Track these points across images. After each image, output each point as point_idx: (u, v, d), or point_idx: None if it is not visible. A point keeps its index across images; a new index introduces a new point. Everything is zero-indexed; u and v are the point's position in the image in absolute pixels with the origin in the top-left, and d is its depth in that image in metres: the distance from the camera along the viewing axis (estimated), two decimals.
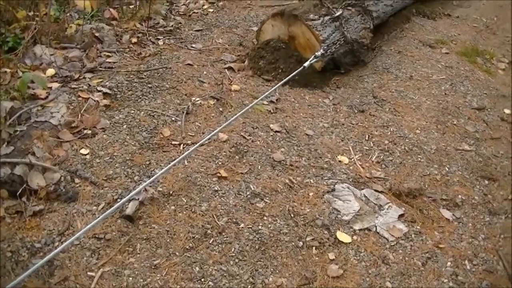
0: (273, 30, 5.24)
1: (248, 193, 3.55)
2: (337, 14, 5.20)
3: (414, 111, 4.80)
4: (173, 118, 4.15)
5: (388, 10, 6.28)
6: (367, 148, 4.19)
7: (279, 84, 4.20)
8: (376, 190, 3.74)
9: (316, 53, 4.59)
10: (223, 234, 3.23)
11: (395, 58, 5.77)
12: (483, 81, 5.60)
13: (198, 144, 3.41)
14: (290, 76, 4.08)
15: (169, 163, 3.57)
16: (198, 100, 4.40)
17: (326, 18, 5.14)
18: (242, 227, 3.29)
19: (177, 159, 3.24)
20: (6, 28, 5.00)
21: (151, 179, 3.10)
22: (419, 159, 4.16)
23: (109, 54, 4.97)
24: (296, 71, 4.15)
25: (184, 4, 6.67)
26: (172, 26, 5.87)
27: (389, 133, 4.40)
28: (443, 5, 7.85)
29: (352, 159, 4.04)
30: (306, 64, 4.27)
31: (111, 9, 5.30)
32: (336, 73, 5.33)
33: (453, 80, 5.47)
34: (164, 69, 4.77)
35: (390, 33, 6.48)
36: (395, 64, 5.64)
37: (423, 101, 4.99)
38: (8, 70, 4.38)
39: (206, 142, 3.93)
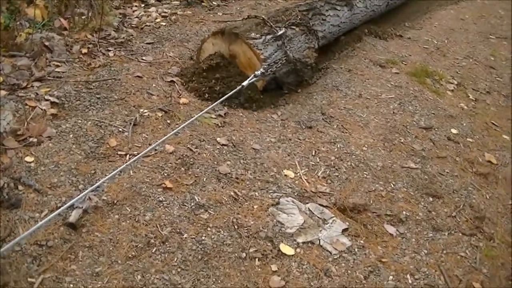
0: (214, 48, 5.18)
1: (192, 204, 3.55)
2: (280, 33, 5.15)
3: (362, 128, 4.86)
4: (120, 129, 4.14)
5: (335, 31, 6.35)
6: (314, 163, 4.23)
7: (215, 103, 4.25)
8: (321, 205, 3.78)
9: (256, 72, 4.62)
10: (166, 243, 3.23)
11: (345, 76, 5.82)
12: (431, 101, 5.69)
13: (143, 152, 3.44)
14: (227, 95, 4.17)
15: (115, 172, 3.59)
16: (146, 112, 4.39)
17: (268, 37, 5.08)
18: (186, 237, 3.29)
19: (121, 167, 3.26)
20: None
21: (94, 186, 3.12)
22: (365, 175, 4.22)
23: (59, 63, 4.94)
24: (234, 91, 4.23)
25: (136, 17, 6.66)
26: (123, 38, 5.86)
27: (336, 149, 4.45)
28: (395, 26, 8.00)
29: (298, 174, 4.07)
30: (245, 83, 4.35)
31: (61, 19, 5.29)
32: (280, 94, 5.37)
33: (402, 99, 5.55)
34: (113, 80, 4.76)
35: (341, 52, 6.56)
36: (344, 82, 5.69)
37: (371, 119, 5.05)
38: None
39: (153, 153, 3.94)
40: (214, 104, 4.25)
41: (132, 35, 6.01)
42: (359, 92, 5.55)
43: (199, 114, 3.94)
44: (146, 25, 6.40)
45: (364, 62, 6.33)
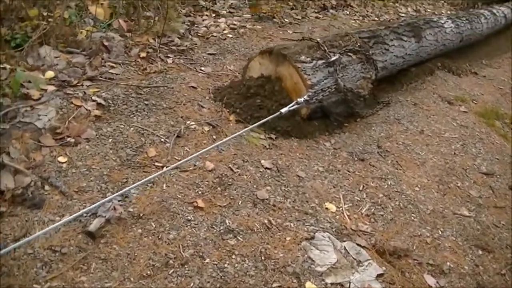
0: (261, 68, 4.85)
1: (222, 227, 3.36)
2: (333, 58, 4.75)
3: (418, 167, 4.60)
4: (162, 139, 3.99)
5: (398, 62, 6.03)
6: (359, 199, 3.99)
7: (249, 127, 3.94)
8: (358, 244, 3.52)
9: (298, 99, 4.28)
10: (186, 266, 3.04)
11: (409, 110, 5.58)
12: (497, 145, 5.39)
13: (177, 164, 3.26)
14: (262, 121, 3.89)
15: (146, 183, 3.43)
16: (192, 124, 4.23)
17: (320, 62, 4.70)
18: (207, 262, 3.10)
19: (150, 176, 3.07)
20: (18, 25, 4.91)
21: (119, 192, 2.95)
22: (412, 218, 3.95)
23: (114, 65, 4.85)
24: (271, 117, 3.95)
25: (205, 26, 6.57)
26: (186, 46, 5.74)
27: (386, 186, 4.20)
28: (472, 62, 7.69)
29: (340, 208, 3.83)
30: (284, 110, 4.01)
31: (121, 21, 5.19)
32: (330, 123, 4.96)
33: (466, 140, 5.27)
34: (165, 88, 4.63)
35: (410, 84, 6.31)
36: (408, 116, 5.45)
37: (429, 157, 4.79)
38: (8, 67, 4.27)
39: (191, 168, 3.77)
40: (247, 129, 3.97)
41: (195, 44, 5.89)
42: (422, 128, 5.29)
43: (240, 132, 3.72)
44: (213, 36, 6.28)
45: (432, 97, 6.06)
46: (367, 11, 9.30)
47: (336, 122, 4.94)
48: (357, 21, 8.47)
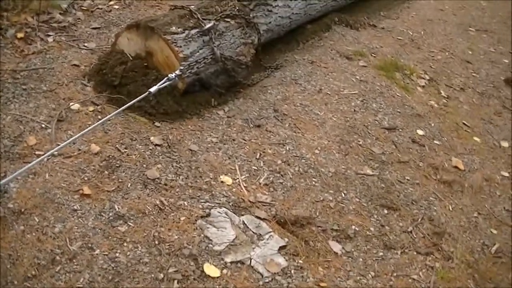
0: (129, 44, 4.35)
1: (111, 214, 3.15)
2: (207, 26, 4.34)
3: (317, 128, 4.45)
4: (43, 125, 3.72)
5: (285, 23, 5.61)
6: (256, 168, 3.82)
7: (114, 113, 3.41)
8: (258, 217, 3.37)
9: (169, 75, 3.85)
10: (74, 261, 2.84)
11: (306, 69, 5.39)
12: (398, 98, 5.30)
13: (56, 149, 2.99)
14: (127, 104, 3.40)
15: (27, 175, 3.19)
16: (76, 106, 3.96)
17: (193, 31, 4.30)
18: (97, 254, 2.90)
19: (29, 165, 2.81)
20: None
21: None
22: (314, 183, 3.81)
23: None
24: (140, 97, 3.52)
25: None
26: (68, 22, 5.40)
27: (284, 151, 4.04)
28: (370, 15, 7.51)
29: (237, 180, 3.66)
30: (153, 89, 3.58)
31: None
32: (214, 94, 4.55)
33: (366, 96, 5.14)
34: (45, 69, 4.33)
35: (306, 42, 6.09)
36: (305, 75, 5.27)
37: (328, 117, 4.65)
38: None
39: (75, 153, 3.53)
40: (112, 115, 3.42)
41: (79, 19, 5.56)
42: (320, 86, 5.12)
43: (100, 122, 3.40)
44: (98, 8, 5.95)
45: (330, 53, 5.89)
46: None
47: (216, 94, 4.57)
48: None
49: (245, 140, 4.08)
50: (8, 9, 5.17)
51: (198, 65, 4.23)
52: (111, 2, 6.16)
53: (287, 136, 4.22)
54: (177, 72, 3.94)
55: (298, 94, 4.87)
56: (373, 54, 6.17)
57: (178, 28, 4.26)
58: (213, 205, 3.37)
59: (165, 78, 3.81)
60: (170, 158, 3.71)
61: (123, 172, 3.48)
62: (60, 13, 5.53)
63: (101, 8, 5.96)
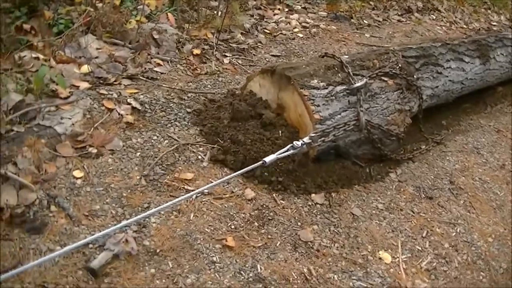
0: (260, 91, 3.83)
1: (251, 274, 2.85)
2: (357, 84, 3.69)
3: (494, 211, 3.96)
4: (199, 157, 3.50)
5: (455, 89, 4.97)
6: (420, 248, 3.39)
7: (225, 178, 3.08)
8: None
9: (294, 143, 3.15)
10: None
11: (491, 137, 4.92)
12: None
13: (202, 188, 2.70)
14: (243, 170, 2.90)
15: (171, 211, 2.93)
16: None
17: (338, 88, 3.67)
18: None
19: (173, 201, 2.53)
20: (65, 8, 4.47)
21: (131, 220, 2.45)
22: (481, 277, 3.35)
23: (161, 62, 4.36)
24: (252, 166, 2.90)
25: (274, 22, 6.00)
26: (248, 44, 5.19)
27: (454, 233, 3.59)
28: None
29: (397, 260, 3.25)
30: (269, 159, 2.93)
31: (169, 14, 4.68)
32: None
33: None
34: (213, 94, 4.11)
35: (495, 105, 5.60)
36: (489, 145, 4.78)
37: (508, 200, 4.13)
38: (41, 57, 3.83)
39: (227, 195, 3.24)
40: (223, 179, 3.08)
41: (260, 42, 5.36)
42: (503, 161, 4.59)
43: (211, 184, 3.06)
44: (281, 33, 5.75)
45: None
46: (455, 17, 8.58)
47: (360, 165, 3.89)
48: (443, 27, 7.77)
49: (413, 212, 3.65)
50: (190, 21, 5.02)
51: (336, 131, 3.58)
52: (296, 29, 5.91)
53: (460, 215, 3.76)
54: (306, 139, 3.28)
55: (479, 167, 4.39)
56: None
57: (321, 82, 3.65)
58: (365, 285, 2.97)
59: (289, 146, 3.16)
60: (328, 220, 3.35)
61: (275, 227, 3.16)
62: (241, 33, 5.33)
63: (285, 34, 5.75)
